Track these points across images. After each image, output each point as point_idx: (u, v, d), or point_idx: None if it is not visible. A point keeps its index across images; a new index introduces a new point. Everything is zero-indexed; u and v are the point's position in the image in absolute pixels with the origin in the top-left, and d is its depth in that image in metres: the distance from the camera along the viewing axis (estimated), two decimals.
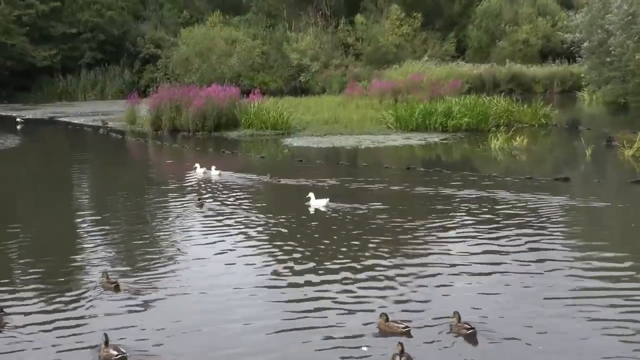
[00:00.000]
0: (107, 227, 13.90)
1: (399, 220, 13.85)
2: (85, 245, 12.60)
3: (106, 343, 7.82)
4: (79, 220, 14.84)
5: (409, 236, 12.62)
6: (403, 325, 8.23)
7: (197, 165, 20.34)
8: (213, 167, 19.77)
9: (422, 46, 62.59)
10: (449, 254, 11.38)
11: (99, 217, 14.99)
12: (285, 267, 10.85)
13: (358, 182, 18.47)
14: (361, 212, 14.66)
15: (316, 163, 22.26)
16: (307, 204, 15.20)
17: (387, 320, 8.30)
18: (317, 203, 14.95)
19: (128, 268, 11.08)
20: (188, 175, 20.13)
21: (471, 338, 8.13)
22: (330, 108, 36.74)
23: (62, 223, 14.74)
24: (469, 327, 8.30)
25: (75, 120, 41.37)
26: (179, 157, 21.97)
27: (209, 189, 17.84)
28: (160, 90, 34.40)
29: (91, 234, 13.48)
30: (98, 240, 12.87)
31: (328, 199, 14.99)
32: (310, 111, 36.00)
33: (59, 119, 43.32)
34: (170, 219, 14.59)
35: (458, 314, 8.38)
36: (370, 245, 12.07)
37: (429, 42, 63.66)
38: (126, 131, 34.83)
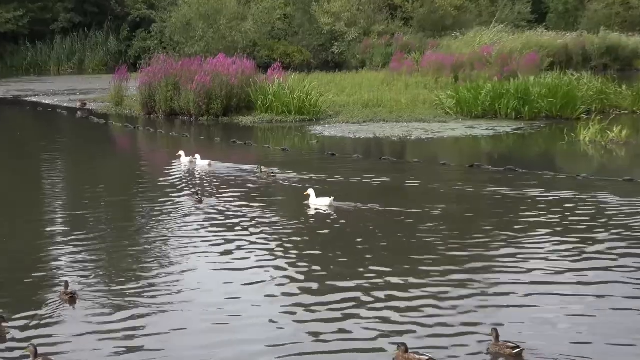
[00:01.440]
0: (84, 231, 14.24)
1: (451, 231, 13.88)
2: (55, 253, 12.93)
3: (35, 355, 8.47)
4: (50, 223, 15.15)
5: (463, 253, 12.60)
6: (427, 357, 8.42)
7: (181, 153, 21.34)
8: (198, 156, 20.84)
9: (489, 9, 62.29)
10: (513, 275, 11.42)
11: (75, 219, 15.26)
12: (291, 286, 11.20)
13: (406, 182, 18.59)
14: (405, 219, 14.79)
15: (353, 158, 22.47)
16: (305, 202, 15.86)
17: (406, 351, 8.50)
18: (317, 202, 15.72)
19: (101, 278, 11.56)
20: (171, 166, 20.93)
21: None
22: (372, 87, 36.73)
23: (30, 227, 14.95)
24: (514, 345, 8.39)
25: (47, 101, 41.68)
26: (176, 149, 22.13)
27: (198, 184, 18.50)
28: (154, 63, 34.38)
29: (65, 238, 13.76)
30: (71, 247, 13.20)
31: (332, 198, 15.69)
32: (346, 91, 35.96)
33: (26, 98, 43.45)
34: (159, 220, 15.13)
35: (496, 331, 8.61)
36: (403, 258, 12.16)
37: (498, 2, 63.31)
38: (111, 115, 35.06)
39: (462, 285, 10.99)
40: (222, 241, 13.44)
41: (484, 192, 17.26)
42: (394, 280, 11.21)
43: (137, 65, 44.18)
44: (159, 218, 15.25)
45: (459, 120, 29.89)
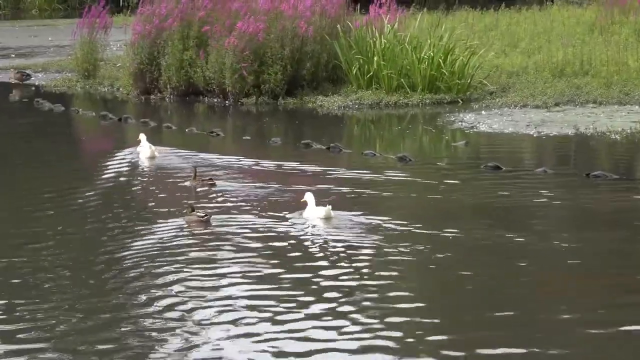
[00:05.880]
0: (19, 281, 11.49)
1: None
2: None
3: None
4: None
5: None
6: None
7: (142, 137, 18.43)
8: (143, 136, 18.31)
9: None
10: None
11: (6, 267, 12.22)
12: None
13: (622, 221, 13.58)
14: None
15: (534, 173, 16.81)
16: (289, 216, 13.60)
17: None
18: (313, 213, 13.81)
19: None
20: (116, 157, 18.12)
21: None
22: (571, 38, 27.77)
23: None
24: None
25: None
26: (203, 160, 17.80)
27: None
28: None
29: None
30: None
31: (329, 207, 13.57)
32: (521, 47, 27.66)
33: None
34: (142, 261, 11.96)
35: None
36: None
37: None
38: (76, 96, 27.29)
39: None
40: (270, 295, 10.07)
41: None
42: None
43: (126, 3, 35.29)
44: (143, 255, 11.74)
45: None
